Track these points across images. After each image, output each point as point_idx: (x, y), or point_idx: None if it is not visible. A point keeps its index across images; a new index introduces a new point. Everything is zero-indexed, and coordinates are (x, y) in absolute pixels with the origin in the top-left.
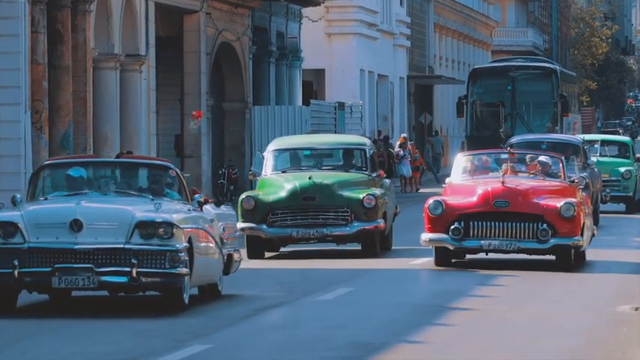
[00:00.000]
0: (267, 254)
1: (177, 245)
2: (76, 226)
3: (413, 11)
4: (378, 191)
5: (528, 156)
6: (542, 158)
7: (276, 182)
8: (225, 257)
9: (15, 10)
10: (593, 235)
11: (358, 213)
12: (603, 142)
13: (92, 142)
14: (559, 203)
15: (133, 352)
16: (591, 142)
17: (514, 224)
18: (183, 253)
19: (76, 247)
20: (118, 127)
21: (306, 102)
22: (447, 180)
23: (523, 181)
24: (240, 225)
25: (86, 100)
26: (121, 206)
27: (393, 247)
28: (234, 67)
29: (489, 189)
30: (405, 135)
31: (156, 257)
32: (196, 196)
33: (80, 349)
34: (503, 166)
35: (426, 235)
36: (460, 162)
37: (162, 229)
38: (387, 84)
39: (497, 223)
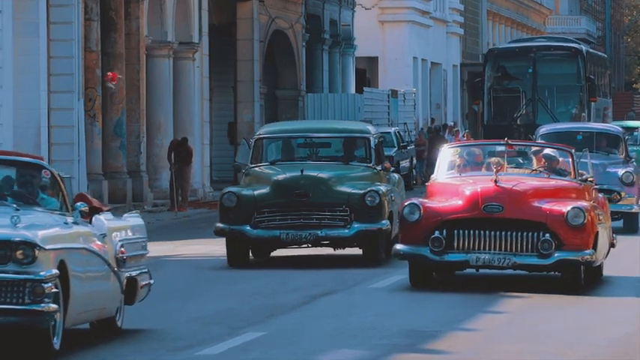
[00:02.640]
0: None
1: (41, 273)
2: None
3: None
4: (383, 187)
5: (533, 149)
6: (547, 151)
7: (263, 176)
8: (125, 282)
9: None
10: (612, 245)
11: (359, 212)
12: None
13: (145, 129)
14: (565, 208)
15: (189, 339)
16: (631, 130)
17: (509, 234)
18: (49, 284)
19: None
20: (171, 115)
21: (359, 90)
22: (432, 178)
23: (522, 180)
24: (219, 225)
25: (139, 88)
26: None
27: None
28: (287, 54)
29: (479, 189)
30: (450, 124)
31: (11, 289)
32: (78, 204)
33: (135, 336)
34: (494, 161)
35: (399, 247)
36: (446, 155)
37: (20, 252)
38: (440, 72)
39: (488, 233)
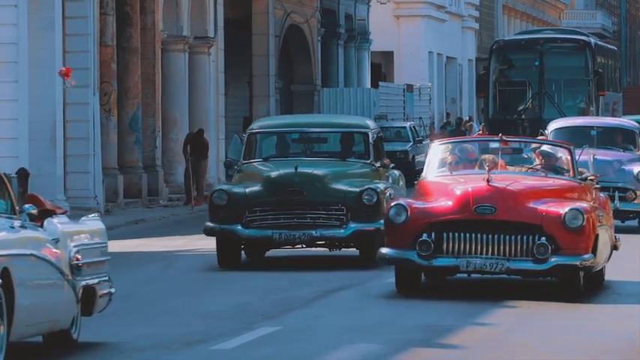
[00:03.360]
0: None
1: None
2: None
3: None
4: (381, 185)
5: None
6: (545, 148)
7: (255, 172)
8: (81, 291)
9: None
10: (615, 248)
11: (356, 211)
12: None
13: (161, 124)
14: (563, 209)
15: (204, 334)
16: None
17: (502, 237)
18: None
19: None
20: (186, 109)
21: (374, 84)
22: (421, 176)
23: (516, 179)
24: (209, 224)
25: (155, 82)
26: None
27: None
28: (302, 49)
29: (469, 189)
30: (465, 118)
31: None
32: (27, 206)
33: (151, 330)
34: (489, 159)
35: (385, 250)
36: (436, 152)
37: None
38: (456, 66)
39: (479, 236)
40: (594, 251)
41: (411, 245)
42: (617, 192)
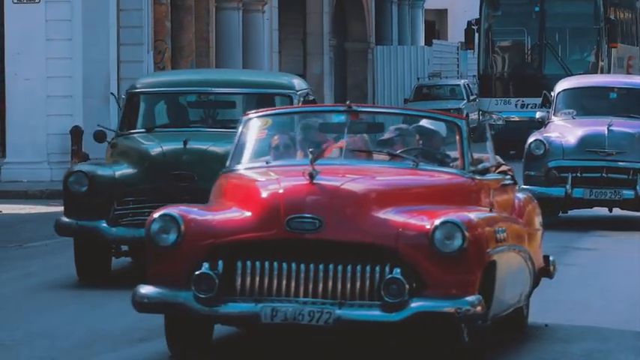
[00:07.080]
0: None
1: None
2: None
3: None
4: None
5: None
6: (423, 123)
7: (132, 148)
8: None
9: None
10: (546, 274)
11: None
12: None
13: None
14: (431, 222)
15: None
16: None
17: (331, 268)
18: None
19: None
20: (240, 67)
21: (428, 42)
22: (225, 167)
23: (362, 173)
24: (64, 220)
25: (209, 41)
26: None
27: None
28: (356, 6)
29: (281, 191)
30: None
31: None
32: None
33: None
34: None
35: (144, 290)
36: (252, 129)
37: None
38: None
39: (294, 266)
40: (486, 289)
41: (186, 281)
42: (638, 175)
